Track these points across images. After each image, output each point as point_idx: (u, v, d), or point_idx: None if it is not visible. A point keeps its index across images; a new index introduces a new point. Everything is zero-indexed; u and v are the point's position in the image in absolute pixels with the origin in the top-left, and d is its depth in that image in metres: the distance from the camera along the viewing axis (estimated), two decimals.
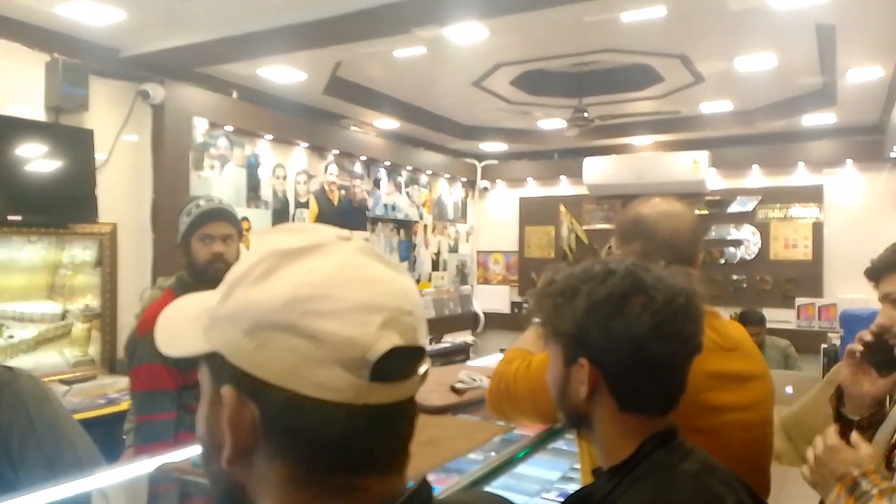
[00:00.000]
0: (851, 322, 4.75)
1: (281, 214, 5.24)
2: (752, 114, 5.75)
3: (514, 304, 7.52)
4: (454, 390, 2.12)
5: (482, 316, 7.52)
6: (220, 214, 2.36)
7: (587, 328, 0.96)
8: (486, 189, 7.85)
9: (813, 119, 5.68)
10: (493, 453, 1.93)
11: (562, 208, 7.38)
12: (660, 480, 0.91)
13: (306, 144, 5.43)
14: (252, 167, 5.02)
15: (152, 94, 4.17)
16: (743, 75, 4.67)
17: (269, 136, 5.11)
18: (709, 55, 4.44)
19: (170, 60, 4.16)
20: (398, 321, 0.56)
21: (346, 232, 0.62)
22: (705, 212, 6.49)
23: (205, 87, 4.59)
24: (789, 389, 4.05)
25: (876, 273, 1.36)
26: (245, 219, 4.92)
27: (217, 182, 4.72)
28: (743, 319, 4.97)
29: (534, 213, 7.56)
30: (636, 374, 0.95)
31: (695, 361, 0.99)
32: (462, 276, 7.74)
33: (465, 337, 7.04)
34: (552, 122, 6.15)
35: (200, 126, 4.58)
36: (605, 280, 0.97)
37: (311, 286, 0.54)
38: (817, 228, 6.16)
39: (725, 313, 6.30)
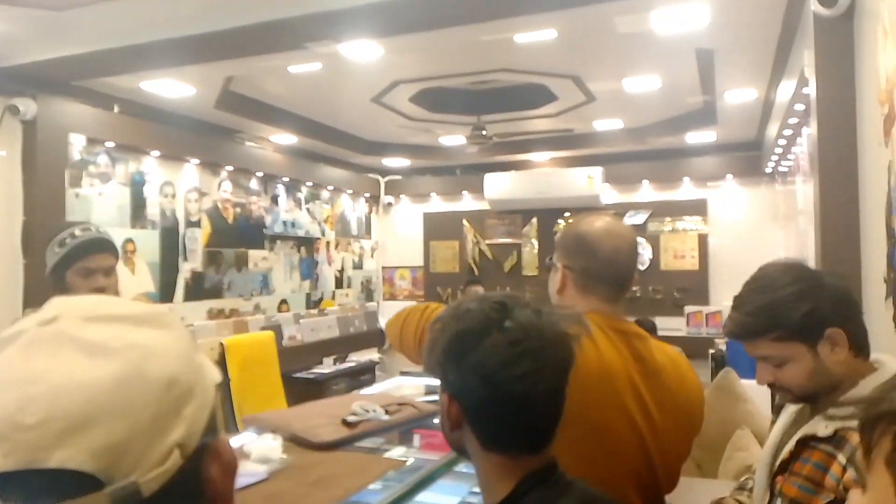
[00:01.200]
0: None
1: (170, 234, 4.97)
2: (641, 131, 6.01)
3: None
4: (346, 424, 2.03)
5: None
6: (102, 246, 2.17)
7: (445, 364, 0.96)
8: (390, 204, 7.80)
9: (696, 136, 6.00)
10: (395, 483, 1.87)
11: (465, 223, 7.43)
12: None
13: (197, 161, 5.19)
14: (137, 185, 4.74)
15: (23, 109, 3.87)
16: (632, 95, 4.86)
17: (157, 153, 4.84)
18: (599, 76, 4.59)
19: (44, 73, 3.88)
20: None
21: (49, 315, 0.53)
22: None
23: (83, 102, 4.30)
24: None
25: (741, 337, 1.31)
26: (130, 240, 4.63)
27: (97, 201, 4.41)
28: (638, 323, 5.27)
29: (438, 227, 7.58)
30: (492, 412, 0.94)
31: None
32: (367, 293, 7.63)
33: (370, 355, 6.92)
34: (453, 139, 6.19)
35: (77, 142, 4.27)
36: (463, 317, 0.96)
37: None
38: (703, 240, 6.50)
39: None
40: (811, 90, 2.79)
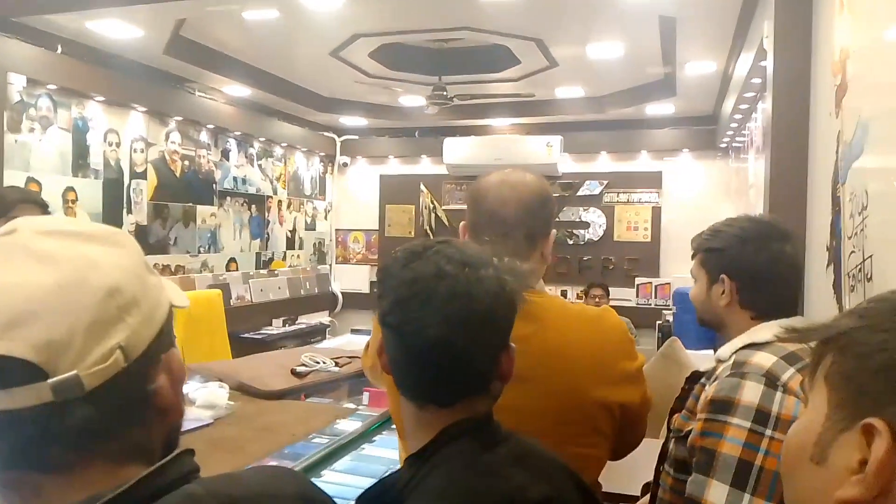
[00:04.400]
0: (683, 299, 5.13)
1: (114, 185, 4.78)
2: (601, 100, 6.02)
3: (373, 284, 7.41)
4: (295, 374, 2.01)
5: (340, 296, 7.38)
6: (28, 196, 2.17)
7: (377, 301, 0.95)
8: (345, 165, 7.67)
9: (655, 108, 6.05)
10: (339, 436, 1.86)
11: (422, 187, 7.37)
12: (456, 469, 0.87)
13: (144, 109, 4.98)
14: (80, 132, 4.52)
15: None
16: (594, 62, 4.85)
17: (101, 98, 4.62)
18: (563, 40, 4.56)
19: None
20: None
21: (8, 228, 0.59)
22: (557, 194, 6.77)
23: (24, 39, 4.05)
24: None
25: (693, 252, 1.50)
26: (71, 189, 4.44)
27: (38, 147, 4.20)
28: (591, 285, 5.78)
29: (395, 191, 7.50)
30: (391, 356, 0.92)
31: None
32: (320, 255, 7.53)
33: (321, 318, 6.87)
34: (413, 100, 6.09)
35: (17, 83, 4.04)
36: (389, 257, 0.95)
37: None
38: (656, 212, 6.60)
39: (573, 291, 6.64)
40: (769, 63, 2.82)
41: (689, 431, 1.27)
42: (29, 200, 2.28)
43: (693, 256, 1.48)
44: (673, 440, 1.37)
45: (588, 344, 1.24)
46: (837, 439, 0.55)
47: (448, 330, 0.86)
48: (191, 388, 2.04)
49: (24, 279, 0.54)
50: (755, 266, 1.37)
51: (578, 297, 6.14)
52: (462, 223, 1.35)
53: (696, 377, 1.42)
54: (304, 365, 2.07)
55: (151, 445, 0.60)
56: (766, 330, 1.33)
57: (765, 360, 1.22)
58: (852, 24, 1.99)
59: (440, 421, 0.90)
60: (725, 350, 1.35)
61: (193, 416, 1.80)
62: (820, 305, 2.25)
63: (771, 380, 1.18)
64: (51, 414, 0.52)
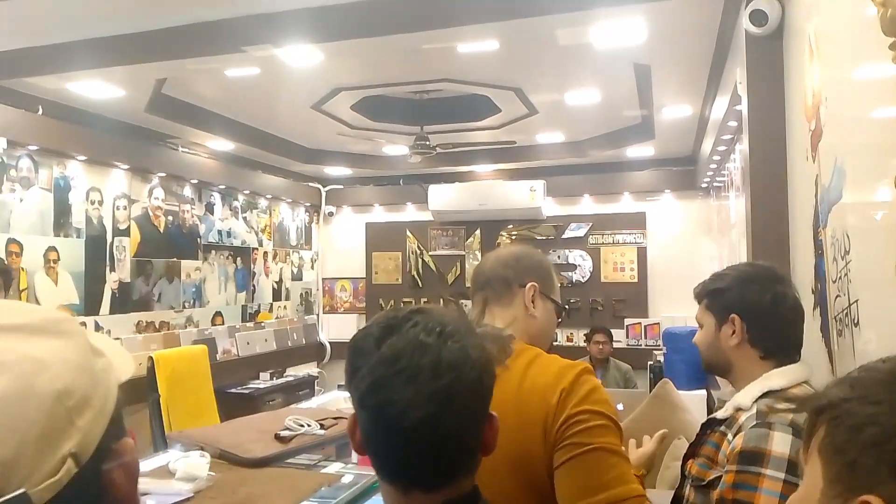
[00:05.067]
0: (672, 339, 5.10)
1: (96, 243, 4.73)
2: (582, 144, 6.10)
3: None
4: (279, 439, 1.95)
5: (329, 346, 7.30)
6: None
7: (347, 383, 0.90)
8: (331, 214, 7.67)
9: (635, 151, 6.13)
10: (329, 500, 1.80)
11: (408, 234, 7.37)
12: None
13: (126, 166, 4.97)
14: (61, 191, 4.50)
15: None
16: (573, 108, 4.93)
17: (83, 157, 4.61)
18: (541, 88, 4.63)
19: None
20: None
21: None
22: (542, 237, 6.81)
23: (4, 102, 4.06)
24: (620, 406, 4.27)
25: (695, 297, 1.55)
26: (53, 248, 4.39)
27: (18, 208, 4.17)
28: (594, 331, 5.63)
29: (381, 238, 7.49)
30: (370, 439, 0.86)
31: None
32: (307, 305, 7.47)
33: (309, 369, 6.77)
34: (397, 149, 6.13)
35: None
36: (358, 335, 0.90)
37: None
38: (642, 252, 6.62)
39: (563, 334, 6.60)
40: (743, 107, 2.87)
41: (712, 481, 1.28)
42: None
43: (698, 302, 1.52)
44: (692, 488, 1.36)
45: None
46: None
47: (436, 408, 0.80)
48: (171, 457, 1.98)
49: None
50: (761, 304, 1.42)
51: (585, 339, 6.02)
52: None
53: (712, 423, 1.43)
54: (287, 429, 2.01)
55: None
56: (779, 377, 1.36)
57: (788, 409, 1.23)
58: (822, 70, 2.02)
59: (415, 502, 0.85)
60: (744, 398, 1.36)
61: (174, 490, 1.74)
62: (809, 349, 2.23)
63: (797, 430, 1.19)
64: None
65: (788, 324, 1.43)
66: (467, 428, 0.84)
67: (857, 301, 1.71)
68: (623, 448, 1.17)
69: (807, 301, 2.31)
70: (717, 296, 1.45)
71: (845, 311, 1.81)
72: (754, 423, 1.24)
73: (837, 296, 1.88)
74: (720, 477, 1.26)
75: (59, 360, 0.53)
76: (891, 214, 1.31)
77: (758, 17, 2.56)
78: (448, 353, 0.83)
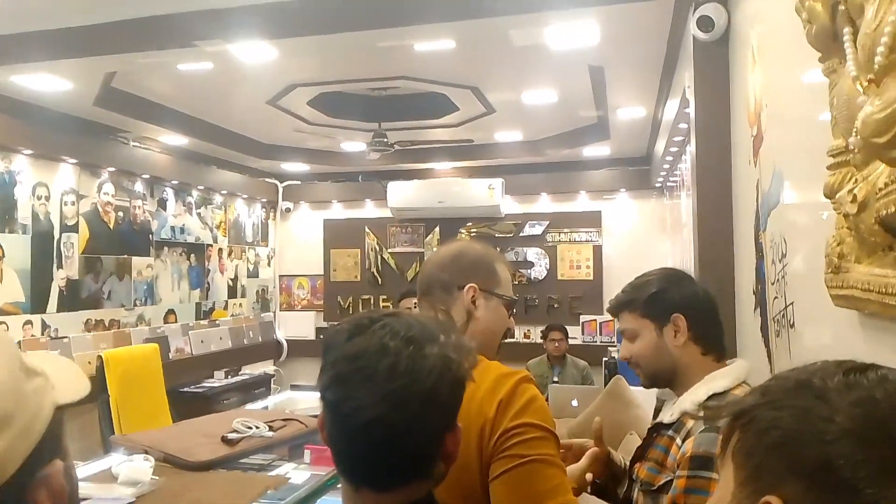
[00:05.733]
0: None
1: (43, 239, 4.60)
2: (539, 143, 6.15)
3: (319, 330, 7.30)
4: (226, 441, 1.93)
5: (285, 344, 7.22)
6: None
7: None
8: (288, 210, 7.58)
9: (592, 150, 6.21)
10: (279, 501, 1.79)
11: (367, 231, 7.34)
12: None
13: (75, 161, 4.83)
14: (6, 186, 4.35)
15: None
16: (530, 108, 4.96)
17: (28, 152, 4.47)
18: (498, 87, 4.66)
19: None
20: None
21: None
22: (501, 234, 6.86)
23: None
24: (575, 402, 4.34)
25: (614, 311, 1.53)
26: None
27: None
28: (550, 328, 5.60)
29: (339, 235, 7.44)
30: (336, 440, 0.89)
31: None
32: (263, 303, 7.38)
33: (266, 367, 6.70)
34: (355, 145, 6.10)
35: None
36: (330, 330, 0.97)
37: None
38: (597, 251, 6.73)
39: (520, 330, 6.66)
40: (691, 110, 2.94)
41: (662, 485, 1.29)
42: None
43: (618, 315, 1.50)
44: (640, 492, 1.38)
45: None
46: None
47: (387, 409, 0.82)
48: (114, 461, 1.94)
49: None
50: (698, 299, 1.45)
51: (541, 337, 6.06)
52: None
53: (659, 427, 1.43)
54: (235, 431, 1.99)
55: None
56: (722, 378, 1.38)
57: None
58: (764, 76, 2.08)
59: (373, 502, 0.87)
60: (687, 402, 1.36)
61: (115, 495, 1.71)
62: (751, 349, 2.30)
63: None
64: None
65: (715, 320, 1.47)
66: (420, 433, 0.85)
67: (792, 303, 1.77)
68: (560, 459, 1.17)
69: (748, 302, 2.39)
70: (655, 299, 1.44)
71: (782, 313, 1.87)
72: (703, 427, 1.24)
73: (776, 297, 1.94)
74: (671, 482, 1.27)
75: None
76: (822, 220, 1.36)
77: (705, 23, 2.62)
78: (407, 358, 0.85)
